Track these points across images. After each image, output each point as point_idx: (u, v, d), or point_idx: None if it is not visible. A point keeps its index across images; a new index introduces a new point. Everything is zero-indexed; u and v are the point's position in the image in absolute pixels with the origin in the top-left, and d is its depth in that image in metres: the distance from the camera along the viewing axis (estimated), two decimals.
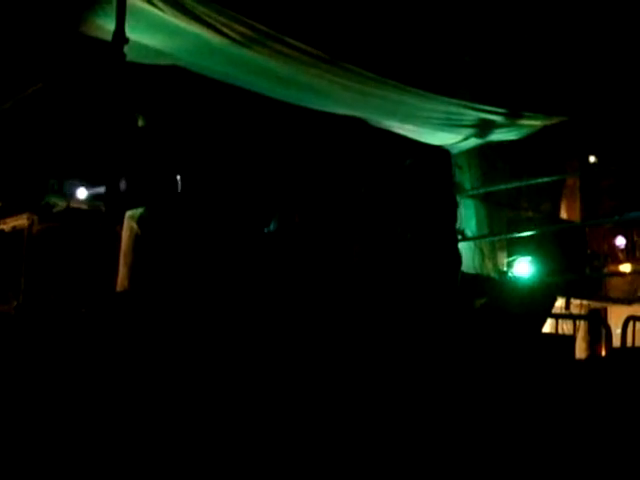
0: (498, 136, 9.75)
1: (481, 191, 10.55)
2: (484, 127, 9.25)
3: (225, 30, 6.41)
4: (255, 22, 6.45)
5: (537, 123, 9.82)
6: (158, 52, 6.71)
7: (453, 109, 8.61)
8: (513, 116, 9.16)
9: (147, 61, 6.79)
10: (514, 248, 9.64)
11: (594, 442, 5.53)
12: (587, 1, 9.99)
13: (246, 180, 8.42)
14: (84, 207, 6.41)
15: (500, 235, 10.27)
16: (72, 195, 6.53)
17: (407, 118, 8.71)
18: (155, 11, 6.04)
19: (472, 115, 8.86)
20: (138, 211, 5.82)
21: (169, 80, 7.37)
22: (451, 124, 8.95)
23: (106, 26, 5.77)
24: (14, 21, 5.98)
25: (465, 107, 8.69)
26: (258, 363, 5.07)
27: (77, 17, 6.05)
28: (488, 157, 10.86)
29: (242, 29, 6.49)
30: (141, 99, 6.88)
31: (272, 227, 7.65)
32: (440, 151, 9.33)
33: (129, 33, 5.61)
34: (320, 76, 7.34)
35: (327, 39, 7.31)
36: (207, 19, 6.27)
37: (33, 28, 6.04)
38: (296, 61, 7.03)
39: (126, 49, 5.51)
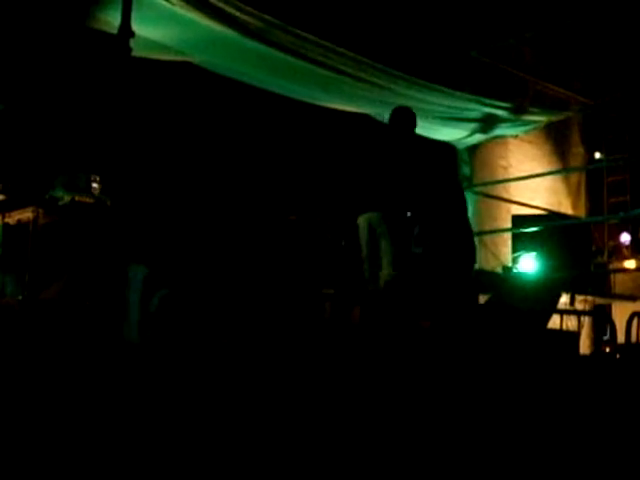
0: (502, 131, 9.75)
1: (486, 185, 10.56)
2: (488, 122, 9.23)
3: (234, 18, 6.40)
4: (262, 13, 6.45)
5: (542, 119, 9.81)
6: (168, 48, 6.71)
7: (458, 103, 8.59)
8: (518, 111, 9.14)
9: (156, 57, 6.80)
10: (519, 244, 9.63)
11: (598, 437, 5.52)
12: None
13: (244, 178, 8.44)
14: (89, 200, 6.41)
15: (504, 230, 10.28)
16: (78, 188, 6.52)
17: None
18: (164, 3, 6.03)
19: (476, 110, 8.84)
20: None
21: (173, 76, 7.38)
22: (455, 118, 8.92)
23: (113, 20, 5.75)
24: (21, 15, 5.97)
25: (470, 100, 8.66)
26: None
27: (84, 11, 6.05)
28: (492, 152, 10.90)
29: (250, 19, 6.48)
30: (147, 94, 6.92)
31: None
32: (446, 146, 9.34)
33: (139, 28, 5.62)
34: (330, 69, 7.32)
35: (335, 30, 7.30)
36: (215, 8, 6.27)
37: (40, 22, 6.05)
38: (306, 53, 7.02)
39: (134, 44, 5.50)
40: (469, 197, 9.92)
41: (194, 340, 5.27)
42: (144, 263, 5.92)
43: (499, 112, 8.99)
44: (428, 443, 5.06)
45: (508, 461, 5.15)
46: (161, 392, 4.67)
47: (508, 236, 10.16)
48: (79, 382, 4.58)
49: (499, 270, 9.58)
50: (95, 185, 6.51)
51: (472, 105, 8.73)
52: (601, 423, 5.61)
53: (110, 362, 4.79)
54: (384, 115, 8.73)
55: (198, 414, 4.63)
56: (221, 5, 6.26)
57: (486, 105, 8.82)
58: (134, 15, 5.51)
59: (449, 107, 8.63)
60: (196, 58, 7.02)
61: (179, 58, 6.99)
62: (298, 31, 6.75)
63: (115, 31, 5.53)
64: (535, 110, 9.50)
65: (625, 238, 11.82)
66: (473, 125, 9.23)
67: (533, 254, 9.18)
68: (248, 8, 6.39)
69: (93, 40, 6.25)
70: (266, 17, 6.50)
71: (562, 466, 5.25)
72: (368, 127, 8.83)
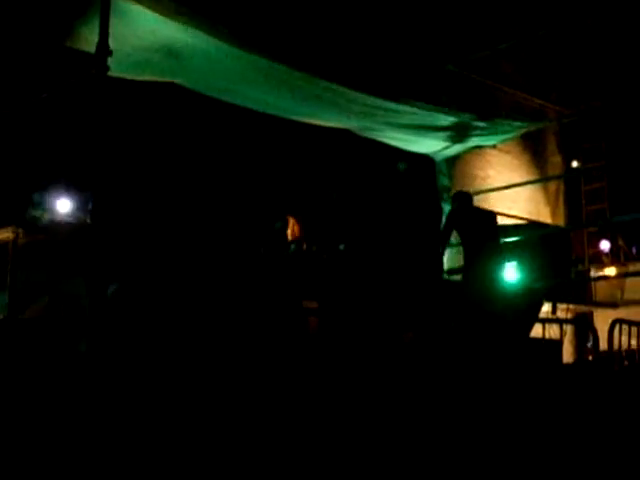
0: (479, 142, 9.77)
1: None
2: (461, 131, 9.22)
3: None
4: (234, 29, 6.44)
5: (517, 128, 9.83)
6: (149, 68, 6.73)
7: (427, 112, 8.56)
8: (484, 119, 9.11)
9: (141, 77, 6.82)
10: None
11: (581, 444, 5.54)
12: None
13: (250, 185, 8.46)
14: (69, 220, 6.39)
15: None
16: (57, 207, 6.51)
17: (385, 125, 8.69)
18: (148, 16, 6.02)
19: (445, 118, 8.82)
20: None
21: (152, 94, 7.39)
22: (427, 126, 8.88)
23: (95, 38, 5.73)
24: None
25: (438, 112, 8.64)
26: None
27: (64, 30, 6.03)
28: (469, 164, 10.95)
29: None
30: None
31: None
32: (424, 158, 9.36)
33: (120, 46, 5.63)
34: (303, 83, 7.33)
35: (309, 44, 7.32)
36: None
37: (19, 42, 6.03)
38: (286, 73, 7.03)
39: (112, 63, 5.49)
40: (448, 208, 9.96)
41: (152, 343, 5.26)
42: (122, 280, 5.90)
43: (466, 118, 8.95)
44: (411, 446, 5.07)
45: (489, 467, 5.16)
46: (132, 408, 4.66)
47: None
48: (58, 399, 4.57)
49: None
50: (75, 204, 6.51)
51: (441, 115, 8.71)
52: (583, 430, 5.63)
53: (91, 379, 4.78)
54: (364, 131, 8.79)
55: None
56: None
57: (452, 115, 8.79)
58: (115, 33, 5.51)
59: (418, 115, 8.59)
60: (177, 78, 7.03)
61: (158, 79, 7.01)
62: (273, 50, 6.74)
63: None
64: (503, 120, 9.49)
65: (605, 246, 11.90)
66: (447, 134, 9.22)
67: (514, 264, 9.20)
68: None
69: (71, 59, 6.24)
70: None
71: (544, 472, 5.27)
72: (347, 141, 8.89)
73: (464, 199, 7.79)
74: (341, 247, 7.44)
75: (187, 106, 7.80)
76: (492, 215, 8.03)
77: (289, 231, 7.67)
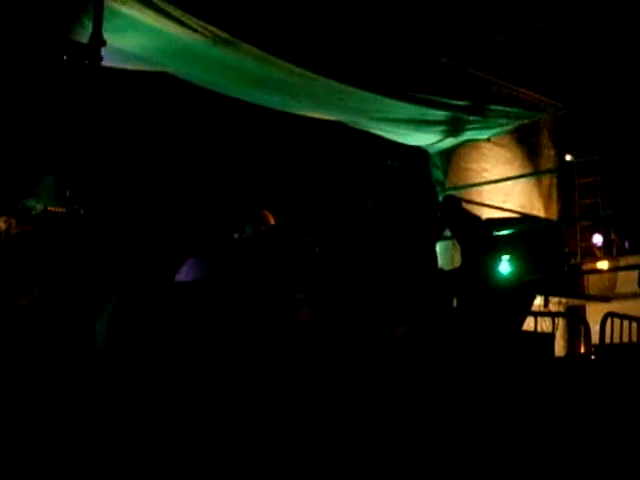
0: (473, 135, 9.78)
1: (459, 189, 10.60)
2: (456, 124, 9.22)
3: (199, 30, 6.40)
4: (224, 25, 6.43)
5: (511, 121, 9.84)
6: (141, 58, 6.72)
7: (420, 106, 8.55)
8: (476, 109, 9.11)
9: (131, 67, 6.81)
10: None
11: (572, 438, 5.56)
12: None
13: (220, 183, 8.43)
14: (62, 210, 6.36)
15: None
16: (50, 197, 6.48)
17: (378, 118, 8.69)
18: (133, 13, 6.02)
19: (439, 112, 8.81)
20: None
21: (144, 84, 7.38)
22: (420, 120, 8.88)
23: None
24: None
25: (429, 104, 8.63)
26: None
27: (65, 23, 6.04)
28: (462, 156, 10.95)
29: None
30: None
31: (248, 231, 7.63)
32: (419, 151, 9.35)
33: (113, 39, 5.63)
34: (295, 76, 7.32)
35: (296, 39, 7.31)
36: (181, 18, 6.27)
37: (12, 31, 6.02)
38: (272, 64, 7.02)
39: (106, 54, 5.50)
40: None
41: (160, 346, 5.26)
42: (118, 269, 5.91)
43: (459, 110, 8.95)
44: (401, 440, 5.07)
45: (480, 461, 5.17)
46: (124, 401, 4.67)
47: None
48: (50, 390, 4.56)
49: None
50: (68, 194, 6.49)
51: (433, 109, 8.70)
52: (576, 424, 5.65)
53: (80, 371, 4.77)
54: (357, 124, 8.79)
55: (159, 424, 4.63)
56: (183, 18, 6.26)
57: (443, 105, 8.79)
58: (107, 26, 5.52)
59: (410, 109, 8.58)
60: (169, 68, 7.02)
61: (152, 68, 7.00)
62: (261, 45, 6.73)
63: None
64: (496, 108, 9.48)
65: (597, 239, 11.92)
66: (442, 128, 9.24)
67: (507, 257, 9.21)
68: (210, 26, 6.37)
69: (65, 48, 6.23)
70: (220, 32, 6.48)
71: (535, 467, 5.28)
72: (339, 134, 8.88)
73: (453, 204, 7.77)
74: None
75: (186, 100, 7.81)
76: (482, 221, 8.01)
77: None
